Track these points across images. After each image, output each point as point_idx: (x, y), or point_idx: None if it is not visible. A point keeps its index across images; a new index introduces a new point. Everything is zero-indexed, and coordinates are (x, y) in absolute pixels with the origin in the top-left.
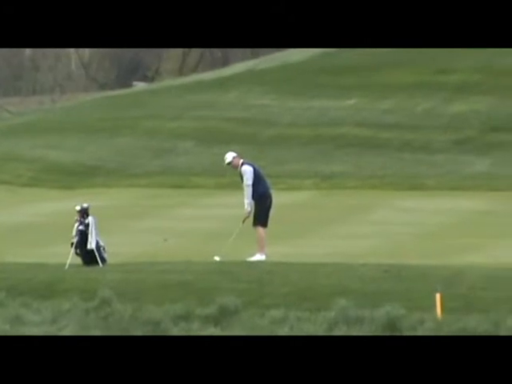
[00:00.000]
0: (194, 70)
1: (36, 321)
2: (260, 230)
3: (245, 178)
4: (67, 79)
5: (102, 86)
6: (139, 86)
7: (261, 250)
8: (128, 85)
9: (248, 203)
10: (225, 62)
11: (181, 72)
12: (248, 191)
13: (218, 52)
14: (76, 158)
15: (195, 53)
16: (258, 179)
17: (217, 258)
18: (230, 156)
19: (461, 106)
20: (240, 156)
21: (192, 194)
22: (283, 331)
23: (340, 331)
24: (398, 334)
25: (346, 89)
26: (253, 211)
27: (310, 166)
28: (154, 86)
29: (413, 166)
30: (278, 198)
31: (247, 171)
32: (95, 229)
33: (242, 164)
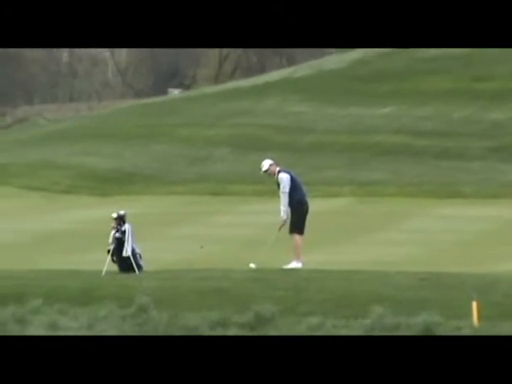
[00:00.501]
0: (231, 76)
1: (73, 327)
2: (296, 237)
3: (282, 186)
4: (104, 86)
5: (139, 93)
6: (174, 93)
7: (297, 257)
8: (165, 92)
9: (284, 211)
10: (261, 69)
11: (217, 79)
12: (285, 199)
13: (253, 58)
14: (113, 165)
15: (231, 60)
16: (294, 186)
17: (252, 266)
18: (266, 164)
19: (498, 114)
20: (276, 163)
21: (228, 201)
22: None
23: None
24: None
25: (382, 96)
26: (289, 218)
27: (346, 174)
28: (191, 93)
29: (450, 173)
30: (315, 205)
31: (284, 178)
32: (131, 236)
33: (279, 171)
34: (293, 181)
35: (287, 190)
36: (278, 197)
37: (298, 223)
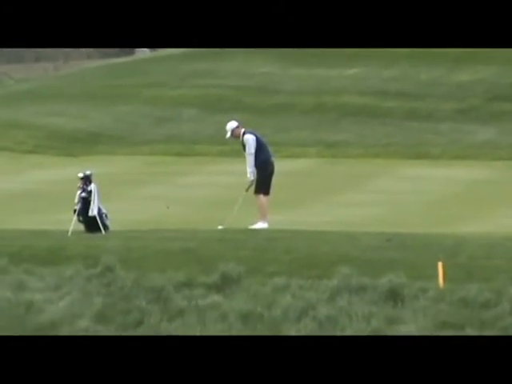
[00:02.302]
0: None
1: (39, 287)
2: (261, 197)
3: (247, 147)
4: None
5: (105, 55)
6: (143, 50)
7: (263, 217)
8: (131, 53)
9: (251, 172)
10: None
11: None
12: (251, 160)
13: None
14: (79, 125)
15: None
16: (260, 147)
17: (220, 227)
18: (229, 129)
19: (465, 75)
20: (242, 125)
21: (195, 161)
22: (285, 299)
23: (342, 299)
24: (400, 302)
25: (348, 57)
26: (255, 179)
27: (312, 134)
28: (156, 53)
29: (417, 134)
30: (281, 166)
31: (249, 140)
32: (97, 196)
33: (244, 133)
34: (258, 142)
35: (253, 151)
36: (244, 158)
37: (263, 184)
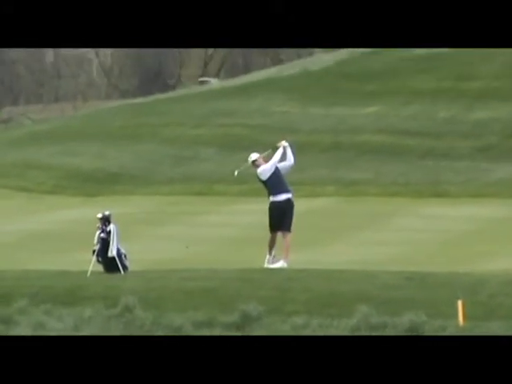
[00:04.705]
0: (216, 76)
1: (58, 328)
2: (271, 235)
3: (262, 177)
4: (89, 87)
5: (124, 94)
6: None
7: (269, 251)
8: (150, 93)
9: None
10: (246, 69)
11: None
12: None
13: (238, 59)
14: (98, 165)
15: (216, 60)
16: (277, 184)
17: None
18: (254, 155)
19: (482, 113)
20: (265, 159)
21: (214, 201)
22: None
23: None
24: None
25: (367, 96)
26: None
27: (331, 173)
28: (176, 93)
29: (435, 173)
30: (299, 205)
31: (264, 172)
32: (117, 236)
33: (259, 166)
34: (277, 176)
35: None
36: (263, 196)
37: (271, 222)
